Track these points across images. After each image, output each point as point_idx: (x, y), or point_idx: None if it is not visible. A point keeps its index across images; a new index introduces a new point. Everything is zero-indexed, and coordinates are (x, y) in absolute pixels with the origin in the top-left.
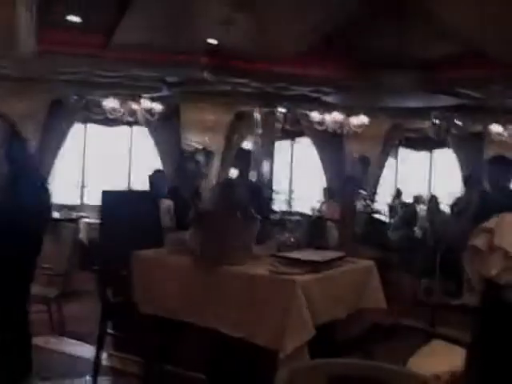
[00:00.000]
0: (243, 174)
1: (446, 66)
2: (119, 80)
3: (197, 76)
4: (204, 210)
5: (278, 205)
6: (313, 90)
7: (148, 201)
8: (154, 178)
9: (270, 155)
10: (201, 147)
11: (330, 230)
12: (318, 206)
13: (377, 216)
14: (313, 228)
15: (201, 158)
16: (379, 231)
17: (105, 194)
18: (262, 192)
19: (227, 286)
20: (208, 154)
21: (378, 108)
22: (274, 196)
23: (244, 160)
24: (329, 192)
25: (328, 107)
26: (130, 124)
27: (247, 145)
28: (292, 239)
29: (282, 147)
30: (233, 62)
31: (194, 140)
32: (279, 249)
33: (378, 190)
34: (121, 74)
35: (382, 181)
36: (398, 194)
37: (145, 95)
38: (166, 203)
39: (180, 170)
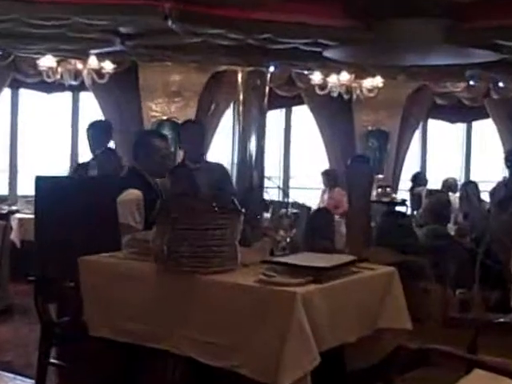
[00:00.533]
0: (194, 154)
1: (480, 11)
2: (58, 31)
3: (159, 26)
4: (171, 201)
5: (271, 194)
6: (308, 43)
7: (100, 189)
8: (103, 158)
9: (260, 129)
10: (165, 118)
11: (338, 227)
12: (319, 194)
13: (399, 208)
14: (315, 224)
15: (167, 132)
16: (402, 228)
17: (40, 180)
18: (227, 177)
19: (205, 302)
20: (175, 127)
21: (395, 67)
22: (266, 183)
23: (191, 136)
24: (330, 176)
25: (330, 66)
26: (73, 89)
27: (225, 114)
28: (288, 239)
29: (274, 118)
30: (204, 8)
31: (156, 109)
32: (272, 252)
33: (400, 175)
34: (60, 24)
35: (406, 162)
36: (417, 178)
37: (92, 51)
38: (134, 194)
39: (141, 147)
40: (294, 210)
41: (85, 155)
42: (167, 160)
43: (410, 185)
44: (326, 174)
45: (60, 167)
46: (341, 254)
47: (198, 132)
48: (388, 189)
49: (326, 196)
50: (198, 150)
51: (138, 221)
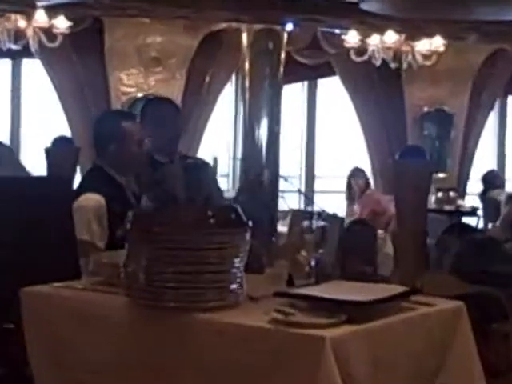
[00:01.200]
0: (165, 144)
1: None
2: None
3: None
4: (149, 210)
5: (290, 201)
6: None
7: (50, 194)
8: (55, 151)
9: (273, 111)
10: (141, 94)
11: (382, 246)
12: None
13: (467, 220)
14: (350, 241)
15: None
16: (472, 247)
17: None
18: (212, 180)
19: (197, 349)
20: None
21: (462, 24)
22: (282, 185)
23: (161, 118)
24: (361, 177)
25: (371, 23)
26: (13, 55)
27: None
28: (313, 262)
29: (293, 95)
30: None
31: (129, 83)
32: (292, 280)
33: (469, 173)
34: None
35: (477, 155)
36: (489, 179)
37: (39, 3)
38: (93, 200)
39: (107, 133)
40: (321, 223)
41: (28, 140)
42: (143, 149)
43: (481, 187)
44: (355, 172)
45: None
46: (386, 283)
47: (170, 113)
48: (452, 193)
49: (357, 204)
50: (171, 139)
51: (99, 236)
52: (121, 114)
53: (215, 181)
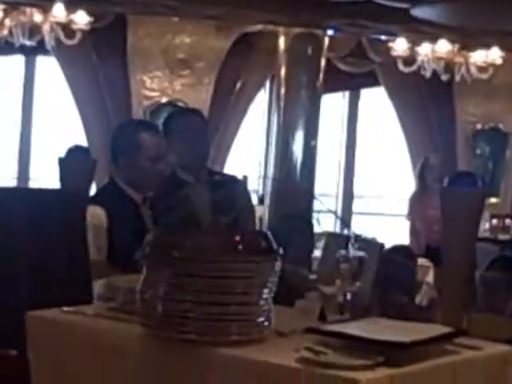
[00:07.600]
0: (193, 161)
1: None
2: None
3: None
4: (169, 233)
5: (324, 223)
6: None
7: (61, 209)
8: (69, 161)
9: (311, 123)
10: (165, 100)
11: (423, 275)
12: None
13: None
14: (388, 273)
15: None
16: None
17: None
18: (246, 199)
19: None
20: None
21: None
22: (317, 206)
23: (188, 132)
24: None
25: (422, 30)
26: (27, 52)
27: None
28: (349, 296)
29: (333, 106)
30: None
31: (153, 86)
32: (324, 315)
33: None
34: None
35: None
36: None
37: None
38: (92, 214)
39: (121, 145)
40: (359, 253)
41: (40, 147)
42: (159, 165)
43: None
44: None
45: (5, 169)
46: (426, 321)
47: (199, 126)
48: (508, 220)
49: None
50: (199, 155)
51: (98, 251)
52: (140, 123)
53: (248, 200)
